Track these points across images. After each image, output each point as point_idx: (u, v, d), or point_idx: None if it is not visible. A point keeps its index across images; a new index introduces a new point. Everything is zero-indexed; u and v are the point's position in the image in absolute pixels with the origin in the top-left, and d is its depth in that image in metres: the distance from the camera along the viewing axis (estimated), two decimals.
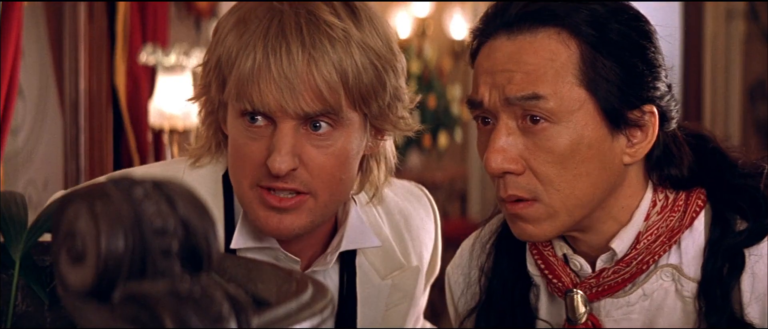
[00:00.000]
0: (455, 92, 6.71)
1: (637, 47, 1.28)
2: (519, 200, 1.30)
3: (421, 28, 6.98)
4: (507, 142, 1.28)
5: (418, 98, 1.47)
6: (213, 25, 5.30)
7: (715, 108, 6.87)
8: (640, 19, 1.31)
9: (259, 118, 1.34)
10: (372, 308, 1.53)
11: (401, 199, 1.61)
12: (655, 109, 1.29)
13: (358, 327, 1.52)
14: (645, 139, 1.29)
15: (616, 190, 1.31)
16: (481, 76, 1.31)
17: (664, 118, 1.31)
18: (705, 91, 6.77)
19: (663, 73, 1.31)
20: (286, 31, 1.32)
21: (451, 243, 1.82)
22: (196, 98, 1.44)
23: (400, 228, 1.58)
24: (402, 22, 6.93)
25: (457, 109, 6.63)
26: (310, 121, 1.34)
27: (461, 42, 7.10)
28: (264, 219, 1.37)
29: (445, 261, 1.61)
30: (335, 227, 1.50)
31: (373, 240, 1.49)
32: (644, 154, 1.30)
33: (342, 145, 1.36)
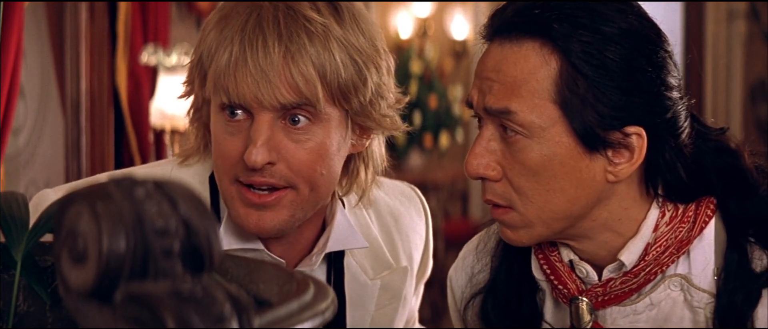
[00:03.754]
0: (456, 92, 6.71)
1: (634, 71, 1.25)
2: (497, 205, 1.31)
3: (422, 29, 6.98)
4: (486, 148, 1.29)
5: (407, 99, 1.47)
6: None
7: (717, 108, 6.87)
8: (649, 42, 1.27)
9: (238, 112, 1.35)
10: (360, 309, 1.53)
11: (392, 199, 1.61)
12: (642, 131, 1.26)
13: (347, 327, 1.52)
14: (630, 160, 1.27)
15: (606, 204, 1.30)
16: (475, 79, 1.32)
17: (658, 137, 1.27)
18: (706, 92, 6.77)
19: (666, 94, 1.27)
20: (263, 25, 1.33)
21: (452, 243, 1.82)
22: (184, 96, 1.45)
23: (390, 228, 1.58)
24: (403, 23, 6.93)
25: (459, 109, 6.63)
26: (289, 115, 1.34)
27: (462, 42, 7.11)
28: (244, 216, 1.37)
29: (447, 261, 1.60)
30: (322, 228, 1.49)
31: (359, 241, 1.49)
32: (628, 174, 1.28)
33: (321, 140, 1.36)
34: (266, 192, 1.36)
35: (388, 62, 1.42)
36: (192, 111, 1.45)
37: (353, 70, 1.35)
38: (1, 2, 2.14)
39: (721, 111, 6.86)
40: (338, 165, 1.41)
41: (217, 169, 1.40)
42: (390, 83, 1.42)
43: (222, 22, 1.36)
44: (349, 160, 1.45)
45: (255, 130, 1.33)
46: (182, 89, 1.45)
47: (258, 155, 1.32)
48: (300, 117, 1.34)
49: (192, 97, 1.45)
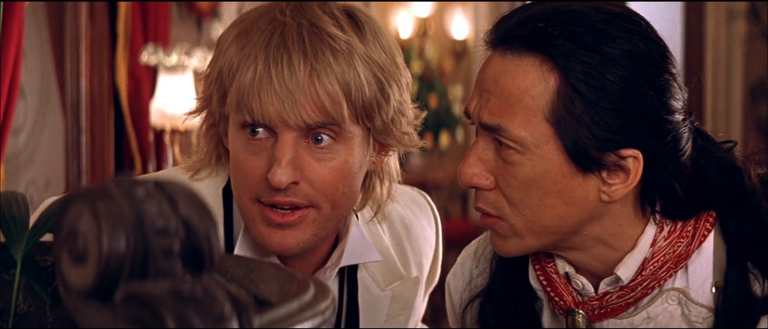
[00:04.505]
0: (457, 92, 6.71)
1: (634, 94, 1.22)
2: (487, 214, 1.30)
3: (423, 28, 6.98)
4: (480, 158, 1.28)
5: (424, 114, 1.45)
6: (214, 25, 5.32)
7: (717, 108, 6.87)
8: (653, 65, 1.25)
9: (260, 130, 1.32)
10: (372, 319, 1.52)
11: (403, 208, 1.59)
12: (639, 154, 1.24)
13: None
14: (625, 181, 1.25)
15: (599, 221, 1.28)
16: (475, 88, 1.30)
17: (656, 159, 1.25)
18: (706, 91, 6.77)
19: (667, 118, 1.25)
20: (288, 43, 1.30)
21: (452, 243, 1.81)
22: (197, 111, 1.42)
23: (402, 238, 1.57)
24: (403, 22, 6.93)
25: (459, 109, 6.64)
26: (312, 134, 1.32)
27: (462, 42, 7.11)
28: (266, 235, 1.35)
29: (447, 261, 1.60)
30: (336, 242, 1.48)
31: (374, 255, 1.47)
32: (623, 194, 1.26)
33: (344, 159, 1.34)
34: (288, 211, 1.34)
35: (407, 77, 1.40)
36: (206, 126, 1.42)
37: (377, 87, 1.33)
38: (1, 2, 2.15)
39: (721, 111, 6.86)
40: (359, 182, 1.40)
41: (237, 188, 1.38)
42: (408, 99, 1.40)
43: (242, 38, 1.33)
44: (365, 175, 1.43)
45: (279, 150, 1.31)
46: (196, 103, 1.42)
47: (283, 175, 1.30)
48: (323, 136, 1.32)
49: (203, 112, 1.41)
